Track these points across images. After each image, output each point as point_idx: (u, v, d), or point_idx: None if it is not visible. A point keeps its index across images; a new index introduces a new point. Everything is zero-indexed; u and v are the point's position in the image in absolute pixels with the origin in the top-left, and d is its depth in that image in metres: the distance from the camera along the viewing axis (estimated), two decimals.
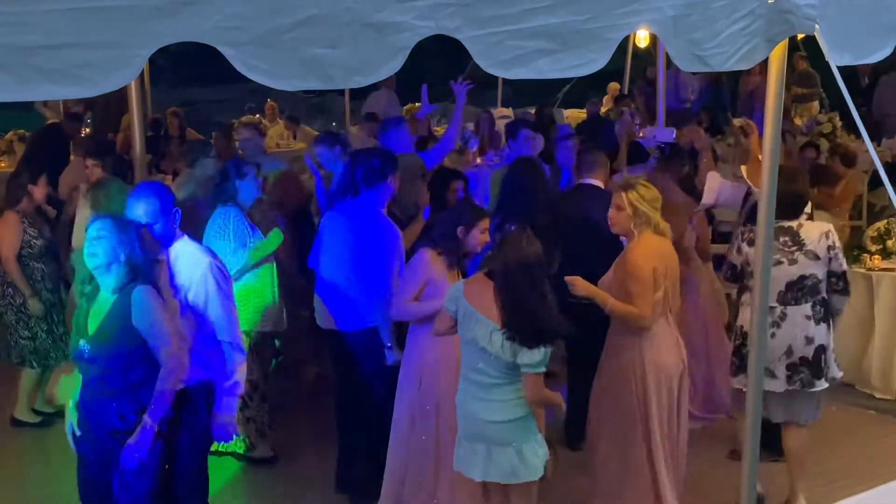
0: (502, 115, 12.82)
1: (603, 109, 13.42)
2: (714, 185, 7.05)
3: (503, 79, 13.65)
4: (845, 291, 5.07)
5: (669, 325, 4.79)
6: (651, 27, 3.52)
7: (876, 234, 7.15)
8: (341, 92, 14.23)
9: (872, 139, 3.85)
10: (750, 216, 5.78)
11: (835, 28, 3.61)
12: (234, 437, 5.69)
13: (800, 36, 3.67)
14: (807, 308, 5.03)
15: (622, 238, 4.87)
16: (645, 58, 13.05)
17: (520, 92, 16.33)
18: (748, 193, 6.44)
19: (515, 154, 7.17)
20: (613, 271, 4.73)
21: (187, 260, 4.32)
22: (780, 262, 4.92)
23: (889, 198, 3.58)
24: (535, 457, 4.12)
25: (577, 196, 6.02)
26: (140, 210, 4.25)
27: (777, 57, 3.71)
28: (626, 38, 3.93)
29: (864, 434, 6.26)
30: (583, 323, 5.07)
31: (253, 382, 5.78)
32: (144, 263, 4.01)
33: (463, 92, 7.14)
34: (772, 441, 5.13)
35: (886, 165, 7.61)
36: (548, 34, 3.28)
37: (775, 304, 4.95)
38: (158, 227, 4.27)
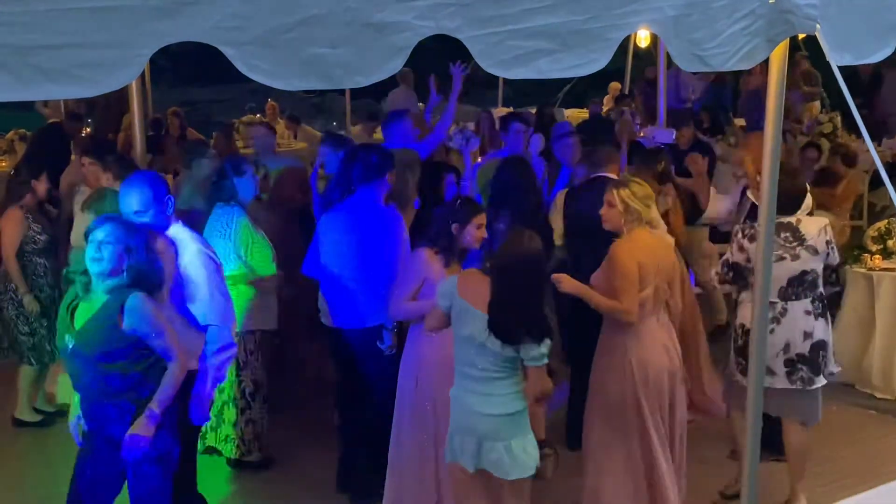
0: (503, 114, 12.83)
1: (604, 109, 13.42)
2: (720, 207, 7.13)
3: (504, 79, 13.70)
4: (837, 283, 5.13)
5: (660, 324, 4.77)
6: (651, 27, 3.52)
7: (876, 233, 7.15)
8: (342, 92, 14.24)
9: (874, 139, 3.85)
10: (749, 213, 5.79)
11: (836, 28, 3.60)
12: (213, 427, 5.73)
13: (801, 36, 3.68)
14: (806, 303, 5.05)
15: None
16: (646, 58, 13.05)
17: (520, 92, 16.34)
18: (745, 189, 6.46)
19: (510, 148, 7.18)
20: (602, 267, 4.74)
21: (172, 251, 4.36)
22: (782, 258, 4.93)
23: (890, 198, 3.58)
24: (524, 454, 4.12)
25: (594, 188, 5.94)
26: (132, 199, 4.27)
27: (778, 57, 3.71)
28: (627, 38, 3.92)
29: (864, 434, 6.26)
30: (584, 322, 5.12)
31: (256, 383, 5.78)
32: (148, 270, 4.01)
33: (459, 76, 7.14)
34: (772, 440, 5.14)
35: (887, 165, 7.62)
36: (548, 34, 3.28)
37: (776, 300, 4.95)
38: (151, 214, 4.29)
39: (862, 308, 6.94)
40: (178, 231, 4.43)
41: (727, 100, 13.99)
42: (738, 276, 5.13)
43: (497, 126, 9.51)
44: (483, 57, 3.22)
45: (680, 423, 4.91)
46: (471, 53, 3.21)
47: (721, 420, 6.20)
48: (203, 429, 5.71)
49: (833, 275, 5.18)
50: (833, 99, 12.87)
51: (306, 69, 3.01)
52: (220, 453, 5.88)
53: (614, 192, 4.72)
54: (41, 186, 6.53)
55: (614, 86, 14.62)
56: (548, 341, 4.02)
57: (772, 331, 4.93)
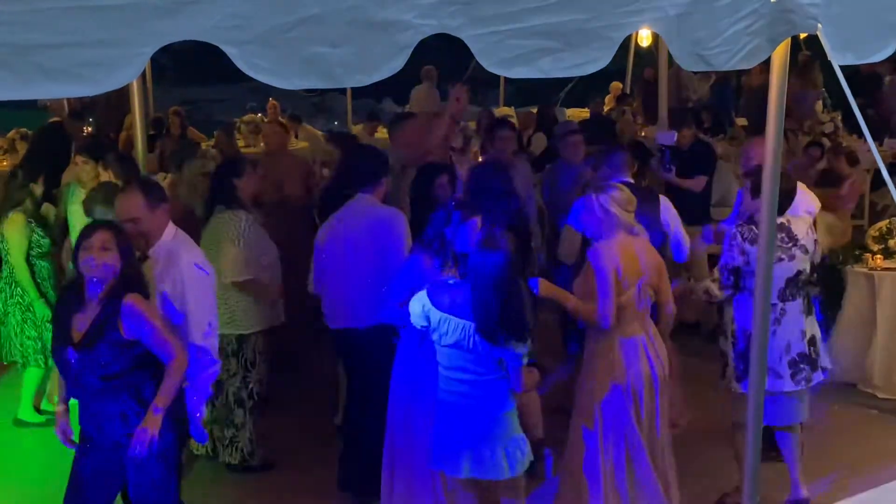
0: (504, 114, 12.82)
1: (605, 109, 13.42)
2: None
3: (505, 78, 13.71)
4: (818, 280, 5.13)
5: (643, 329, 4.72)
6: (653, 26, 3.51)
7: (878, 233, 7.14)
8: (343, 91, 14.26)
9: (875, 138, 3.85)
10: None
11: (837, 27, 3.60)
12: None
13: (802, 35, 3.67)
14: (801, 302, 5.07)
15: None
16: (647, 57, 13.06)
17: (522, 91, 16.34)
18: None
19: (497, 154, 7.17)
20: (581, 272, 4.72)
21: (166, 256, 4.35)
22: (780, 259, 4.92)
23: (891, 197, 3.58)
24: (518, 452, 4.19)
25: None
26: (125, 206, 4.26)
27: (780, 56, 3.71)
28: (629, 38, 3.92)
29: (865, 434, 6.25)
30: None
31: (262, 383, 5.76)
32: (134, 273, 4.05)
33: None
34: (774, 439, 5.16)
35: (888, 165, 7.61)
36: (550, 33, 3.27)
37: (776, 302, 4.94)
38: (143, 222, 4.28)
39: (863, 308, 6.93)
40: (169, 241, 4.40)
41: (730, 99, 13.98)
42: (739, 279, 5.04)
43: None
44: (484, 56, 3.21)
45: (662, 430, 4.83)
46: (472, 52, 3.21)
47: (722, 421, 6.21)
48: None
49: (815, 273, 5.18)
50: (834, 98, 12.86)
51: (307, 68, 3.01)
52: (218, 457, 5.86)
53: (591, 197, 4.70)
54: (39, 189, 6.53)
55: (616, 85, 14.62)
56: (528, 342, 4.07)
57: (773, 333, 4.92)
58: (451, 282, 4.28)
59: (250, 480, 5.73)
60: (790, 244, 5.00)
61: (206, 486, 5.62)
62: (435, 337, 4.20)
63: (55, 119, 10.71)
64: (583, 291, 4.66)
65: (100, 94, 2.99)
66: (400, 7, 3.05)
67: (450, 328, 4.12)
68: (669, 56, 4.08)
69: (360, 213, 5.25)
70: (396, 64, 3.11)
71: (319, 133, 13.05)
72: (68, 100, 10.72)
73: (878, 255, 6.98)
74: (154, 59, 2.95)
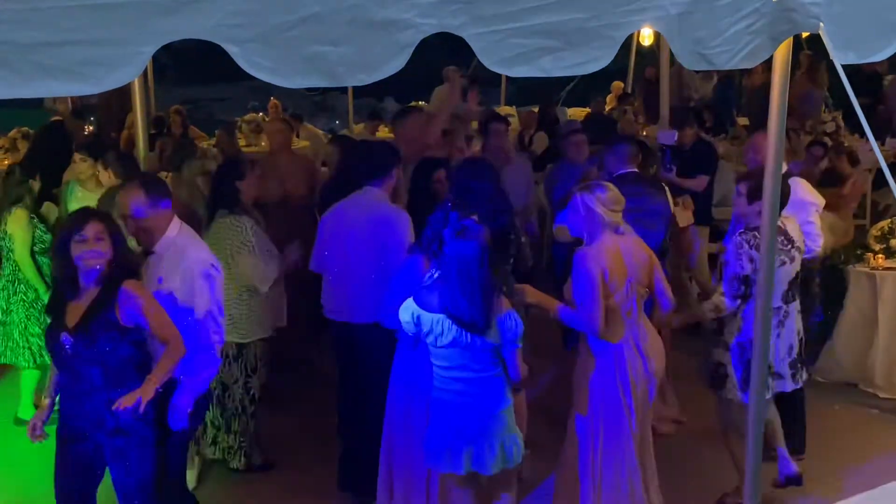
0: (505, 113, 12.81)
1: (606, 108, 13.42)
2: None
3: (506, 77, 13.71)
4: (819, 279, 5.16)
5: (635, 327, 4.67)
6: (655, 25, 3.50)
7: (880, 233, 7.14)
8: (344, 90, 14.25)
9: (877, 138, 3.84)
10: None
11: (839, 26, 3.59)
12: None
13: (804, 34, 3.67)
14: (797, 303, 5.12)
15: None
16: (648, 56, 13.04)
17: (523, 90, 16.33)
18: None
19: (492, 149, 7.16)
20: (570, 276, 4.66)
21: (171, 252, 4.35)
22: (783, 262, 4.92)
23: (893, 197, 3.58)
24: (515, 447, 4.28)
25: (630, 181, 5.86)
26: (128, 203, 4.26)
27: (781, 55, 3.70)
28: (630, 37, 3.91)
29: (867, 433, 6.24)
30: None
31: (264, 387, 5.75)
32: (126, 260, 4.10)
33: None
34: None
35: (889, 165, 7.61)
36: (551, 32, 3.27)
37: (781, 305, 4.94)
38: (147, 219, 4.28)
39: (865, 307, 6.93)
40: (175, 239, 4.39)
41: (732, 98, 13.97)
42: (749, 288, 4.89)
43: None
44: (486, 55, 3.21)
45: (649, 429, 4.83)
46: (474, 51, 3.20)
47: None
48: (208, 438, 5.72)
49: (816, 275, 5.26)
50: (835, 98, 12.86)
51: (309, 67, 3.01)
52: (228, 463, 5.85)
53: (577, 196, 4.66)
54: (37, 186, 6.54)
55: (617, 85, 14.62)
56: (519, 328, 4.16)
57: (778, 335, 4.93)
58: (435, 275, 4.30)
59: (251, 480, 5.73)
60: (789, 246, 5.01)
61: (206, 486, 5.62)
62: (430, 339, 4.21)
63: (57, 118, 10.71)
64: (572, 296, 4.63)
65: (101, 93, 2.99)
66: (401, 6, 3.05)
67: (444, 327, 4.14)
68: (671, 55, 4.07)
69: (364, 207, 5.24)
70: (398, 63, 3.10)
71: (321, 132, 13.05)
72: (72, 99, 10.73)
73: (880, 255, 6.97)
74: (155, 58, 2.95)
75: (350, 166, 6.17)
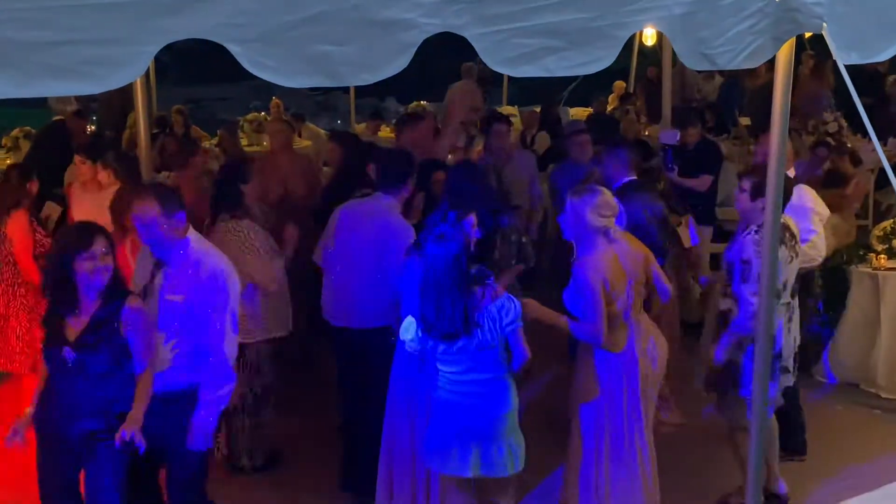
0: (507, 113, 12.81)
1: (608, 108, 13.41)
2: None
3: (508, 77, 13.71)
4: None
5: (638, 326, 4.69)
6: (658, 25, 3.50)
7: (882, 233, 7.13)
8: (346, 90, 14.25)
9: (880, 138, 3.83)
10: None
11: (842, 27, 3.59)
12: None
13: (807, 35, 3.66)
14: (798, 298, 5.14)
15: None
16: (651, 56, 13.04)
17: (525, 90, 16.33)
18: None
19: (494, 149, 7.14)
20: (570, 287, 4.64)
21: (187, 266, 4.31)
22: (791, 258, 4.95)
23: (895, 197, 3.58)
24: (520, 449, 4.31)
25: (631, 192, 5.86)
26: (143, 214, 4.23)
27: (784, 55, 3.70)
28: (632, 36, 3.91)
29: (869, 433, 6.24)
30: None
31: (267, 388, 5.75)
32: (121, 274, 4.14)
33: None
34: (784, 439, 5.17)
35: (892, 165, 7.59)
36: (554, 32, 3.27)
37: (790, 300, 4.98)
38: (162, 230, 4.25)
39: (867, 308, 6.92)
40: (189, 246, 4.34)
41: (735, 98, 13.95)
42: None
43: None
44: (489, 55, 3.21)
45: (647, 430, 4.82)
46: (477, 51, 3.20)
47: (720, 420, 6.21)
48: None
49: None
50: (837, 98, 12.84)
51: (312, 66, 3.01)
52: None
53: (568, 200, 4.65)
54: (35, 187, 6.52)
55: (619, 84, 14.61)
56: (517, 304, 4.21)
57: (788, 331, 4.97)
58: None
59: (251, 480, 5.73)
60: (794, 242, 5.03)
61: (207, 485, 5.61)
62: (440, 349, 4.20)
63: (58, 118, 10.70)
64: (571, 307, 4.62)
65: (102, 93, 3.00)
66: (404, 6, 3.05)
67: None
68: (673, 55, 4.07)
69: (373, 214, 5.23)
70: (401, 63, 3.10)
71: (323, 132, 13.05)
72: (76, 99, 10.72)
73: (882, 255, 6.97)
74: (157, 58, 2.95)
75: (354, 166, 6.17)
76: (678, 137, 8.24)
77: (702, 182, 8.01)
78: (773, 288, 4.02)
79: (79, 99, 10.76)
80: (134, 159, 6.01)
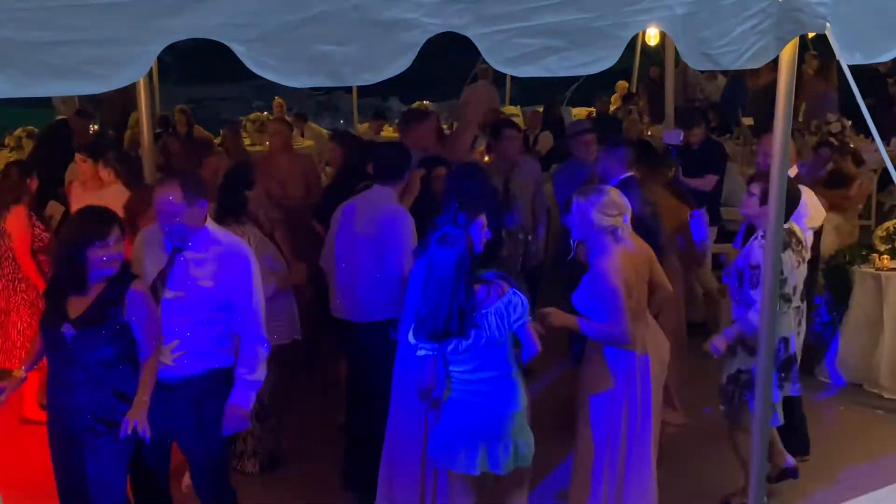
0: (510, 113, 12.82)
1: (611, 108, 13.41)
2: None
3: (511, 77, 13.72)
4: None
5: (643, 326, 4.69)
6: (660, 25, 3.50)
7: (885, 233, 7.12)
8: (348, 90, 14.25)
9: (883, 138, 3.83)
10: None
11: (846, 27, 3.59)
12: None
13: (810, 35, 3.66)
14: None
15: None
16: (654, 56, 13.04)
17: (527, 90, 16.34)
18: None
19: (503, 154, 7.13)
20: (585, 289, 4.61)
21: (210, 251, 4.33)
22: (799, 263, 4.97)
23: None
24: (527, 447, 4.29)
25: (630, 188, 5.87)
26: (165, 201, 4.23)
27: (787, 56, 3.70)
28: (635, 36, 3.91)
29: (872, 434, 6.23)
30: None
31: (273, 393, 5.74)
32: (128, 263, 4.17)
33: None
34: (787, 440, 5.16)
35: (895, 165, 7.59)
36: (557, 32, 3.27)
37: (800, 304, 5.02)
38: (184, 217, 4.24)
39: (870, 308, 6.91)
40: (211, 234, 4.36)
41: (739, 98, 13.94)
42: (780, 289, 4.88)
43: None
44: (491, 54, 3.21)
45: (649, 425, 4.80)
46: (479, 51, 3.20)
47: (722, 420, 6.20)
48: None
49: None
50: (841, 98, 12.83)
51: (314, 66, 3.01)
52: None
53: (574, 200, 4.65)
54: (35, 184, 6.54)
55: (622, 84, 14.62)
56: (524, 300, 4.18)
57: (798, 334, 5.01)
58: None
59: (252, 480, 5.73)
60: (801, 248, 5.05)
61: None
62: (450, 348, 4.18)
63: (61, 117, 10.72)
64: (589, 305, 4.61)
65: (105, 92, 2.99)
66: (406, 6, 3.05)
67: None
68: (676, 55, 4.07)
69: (372, 206, 5.26)
70: (403, 62, 3.10)
71: (325, 132, 13.07)
72: (80, 98, 10.74)
73: (885, 256, 6.96)
74: (160, 57, 2.95)
75: (355, 166, 6.18)
76: (681, 137, 8.24)
77: (707, 182, 8.01)
78: (775, 291, 4.02)
79: (81, 99, 10.78)
80: (135, 159, 6.02)
